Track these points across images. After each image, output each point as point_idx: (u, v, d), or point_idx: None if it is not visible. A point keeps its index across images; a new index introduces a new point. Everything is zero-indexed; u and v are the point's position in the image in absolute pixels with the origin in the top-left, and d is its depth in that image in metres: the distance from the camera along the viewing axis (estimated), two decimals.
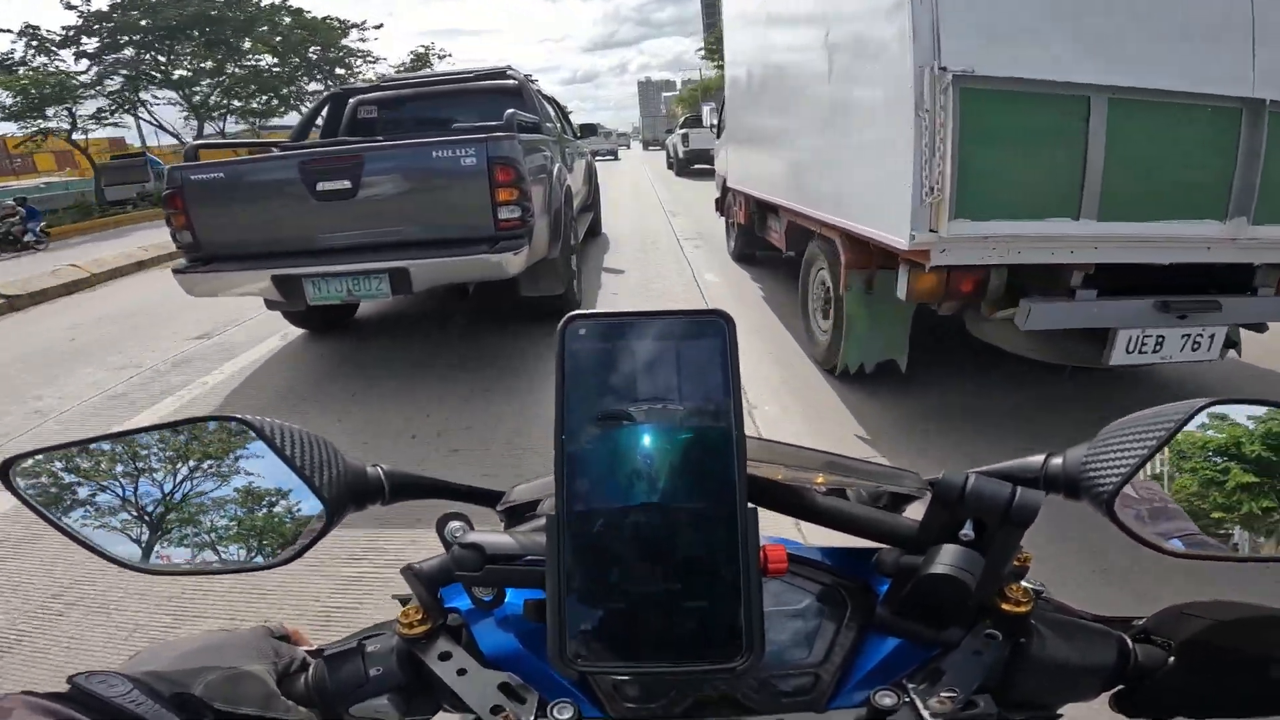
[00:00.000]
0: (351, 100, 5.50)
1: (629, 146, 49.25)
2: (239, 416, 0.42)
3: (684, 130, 19.96)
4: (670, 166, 22.08)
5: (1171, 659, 0.43)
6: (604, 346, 0.36)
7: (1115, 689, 0.44)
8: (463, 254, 3.61)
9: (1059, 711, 0.44)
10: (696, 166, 18.23)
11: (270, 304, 4.40)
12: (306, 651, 0.46)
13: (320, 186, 3.59)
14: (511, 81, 5.43)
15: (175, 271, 3.80)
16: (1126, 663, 0.43)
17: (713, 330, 0.36)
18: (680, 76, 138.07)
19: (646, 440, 0.35)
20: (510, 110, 3.97)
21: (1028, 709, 0.43)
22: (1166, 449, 0.39)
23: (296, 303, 3.85)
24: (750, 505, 0.35)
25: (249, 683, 0.40)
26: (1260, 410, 0.42)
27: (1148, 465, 0.39)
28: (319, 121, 5.50)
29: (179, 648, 0.42)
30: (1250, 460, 0.41)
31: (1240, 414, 0.42)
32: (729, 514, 0.34)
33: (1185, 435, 0.40)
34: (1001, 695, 0.41)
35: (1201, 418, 0.40)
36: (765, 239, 5.49)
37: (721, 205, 7.20)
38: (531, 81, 5.91)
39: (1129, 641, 0.44)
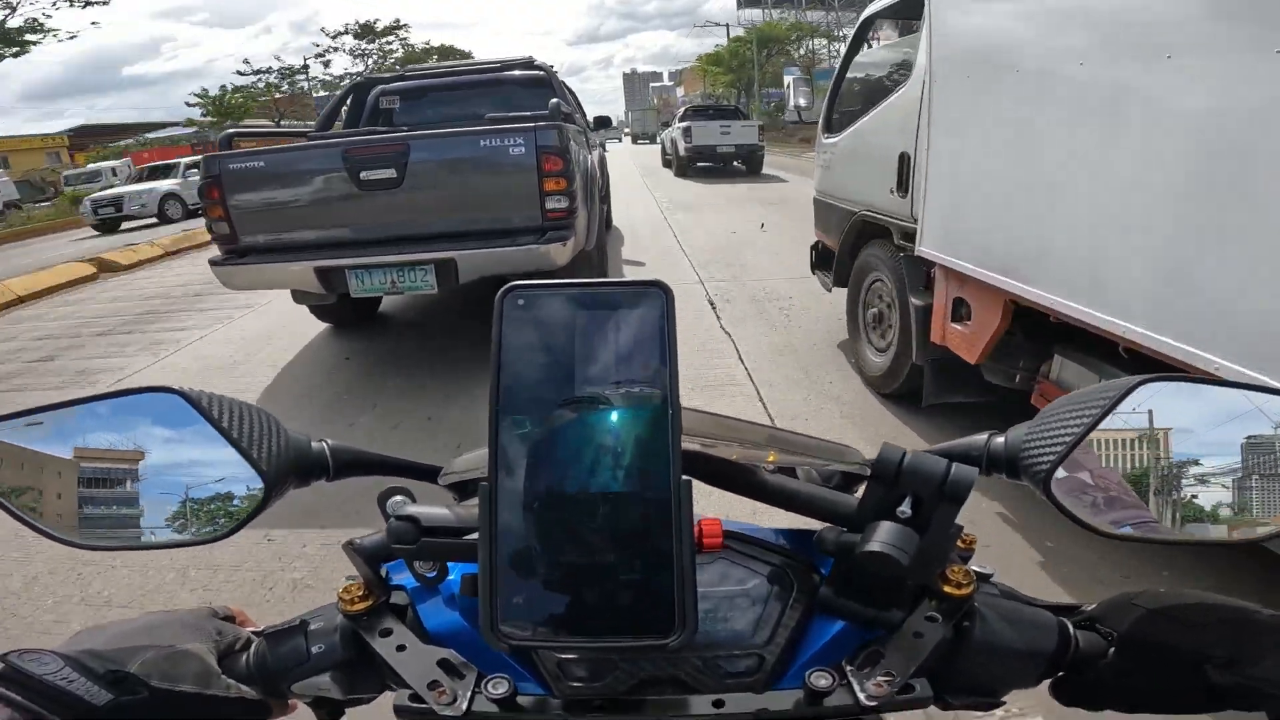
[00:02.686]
0: (374, 91, 5.40)
1: (619, 140, 47.46)
2: (172, 387, 0.41)
3: (685, 123, 16.35)
4: (667, 165, 18.96)
5: (1112, 649, 0.42)
6: (542, 316, 0.36)
7: (1056, 676, 0.44)
8: (510, 245, 3.55)
9: (1002, 699, 0.43)
10: (701, 165, 16.02)
11: (298, 297, 4.30)
12: (251, 631, 0.46)
13: (364, 175, 3.51)
14: (538, 72, 5.36)
15: (212, 264, 3.70)
16: (1067, 650, 0.43)
17: (652, 300, 0.35)
18: (667, 69, 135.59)
19: (583, 412, 0.34)
20: (555, 100, 3.91)
21: (969, 694, 0.42)
22: (1105, 427, 0.39)
23: (337, 294, 3.77)
24: (685, 478, 0.34)
25: (188, 661, 0.40)
26: (1195, 387, 0.42)
27: (1088, 443, 0.39)
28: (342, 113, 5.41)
29: (117, 628, 0.42)
30: (1184, 438, 0.41)
31: (1176, 391, 0.41)
32: (664, 487, 0.34)
33: (1123, 413, 0.40)
34: (942, 679, 0.41)
35: (1138, 395, 0.40)
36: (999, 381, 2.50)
37: (830, 265, 3.90)
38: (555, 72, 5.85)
39: (1070, 628, 0.44)
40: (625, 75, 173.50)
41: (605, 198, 7.64)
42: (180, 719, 0.39)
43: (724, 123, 16.10)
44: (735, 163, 16.27)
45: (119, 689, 0.37)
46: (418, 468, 0.52)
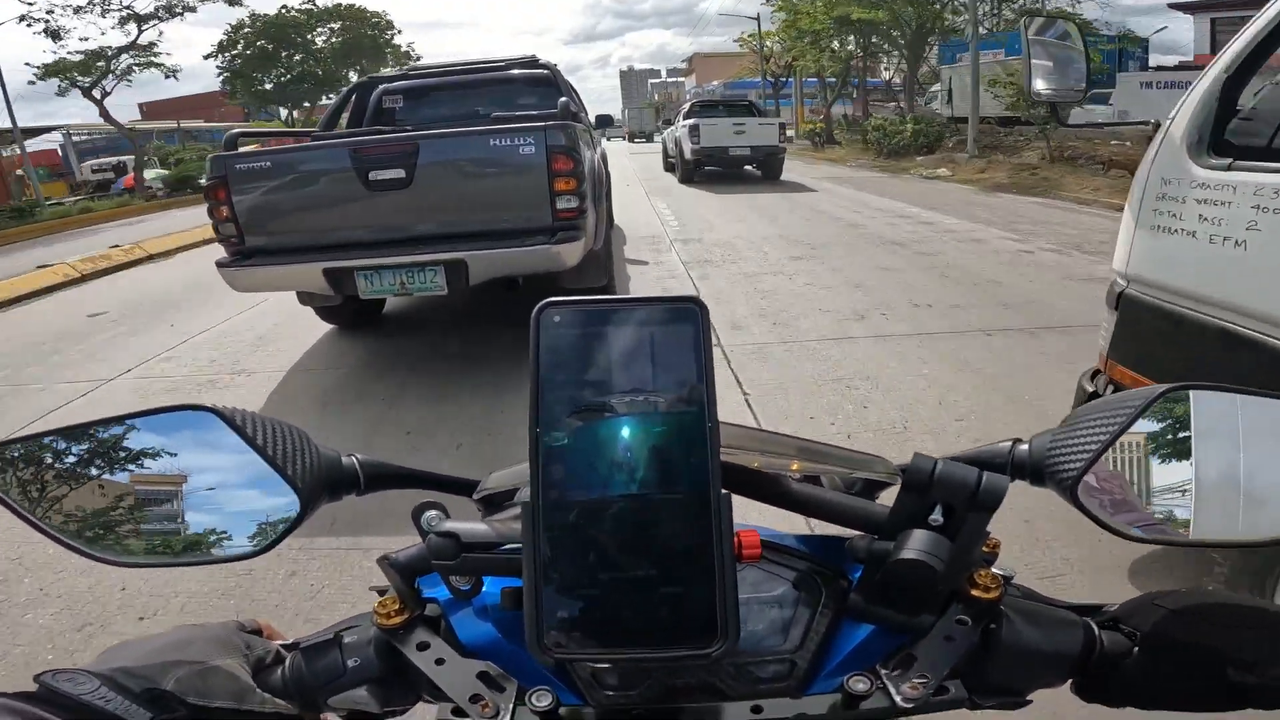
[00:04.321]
0: (377, 90, 5.36)
1: (610, 139, 46.55)
2: (206, 406, 0.41)
3: (691, 121, 13.68)
4: (670, 169, 16.34)
5: (1136, 649, 0.43)
6: (578, 333, 0.36)
7: (1080, 675, 0.45)
8: (521, 245, 3.53)
9: (1028, 697, 0.44)
10: (710, 169, 13.99)
11: (303, 298, 4.27)
12: (281, 645, 0.46)
13: (373, 176, 3.47)
14: (542, 71, 5.33)
15: (219, 265, 3.66)
16: (1092, 650, 0.43)
17: (686, 317, 0.36)
18: (665, 66, 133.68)
19: (621, 427, 0.35)
20: (563, 99, 3.88)
21: (997, 694, 0.43)
22: (1132, 434, 0.40)
23: (345, 296, 3.73)
24: (724, 491, 0.35)
25: (222, 677, 0.39)
26: (1221, 395, 0.42)
27: (1112, 451, 0.40)
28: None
29: (147, 644, 0.41)
30: (1212, 444, 0.42)
31: (1201, 400, 0.42)
32: (703, 500, 0.34)
33: (1149, 421, 0.41)
34: (972, 680, 0.41)
35: (1164, 403, 0.41)
36: None
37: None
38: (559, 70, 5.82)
39: (1095, 628, 0.44)
40: (622, 73, 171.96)
41: (607, 195, 7.62)
42: None
43: (737, 120, 13.53)
44: (749, 167, 14.18)
45: (156, 707, 0.37)
46: (449, 481, 0.52)
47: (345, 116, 5.34)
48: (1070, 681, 0.44)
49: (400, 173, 3.47)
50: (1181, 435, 0.42)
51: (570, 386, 0.35)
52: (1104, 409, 0.41)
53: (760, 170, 14.09)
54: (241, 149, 3.87)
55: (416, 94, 5.43)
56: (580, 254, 3.69)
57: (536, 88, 5.29)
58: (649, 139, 45.99)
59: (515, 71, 5.39)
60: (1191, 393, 0.42)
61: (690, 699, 0.41)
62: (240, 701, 0.39)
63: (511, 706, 0.39)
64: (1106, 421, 0.40)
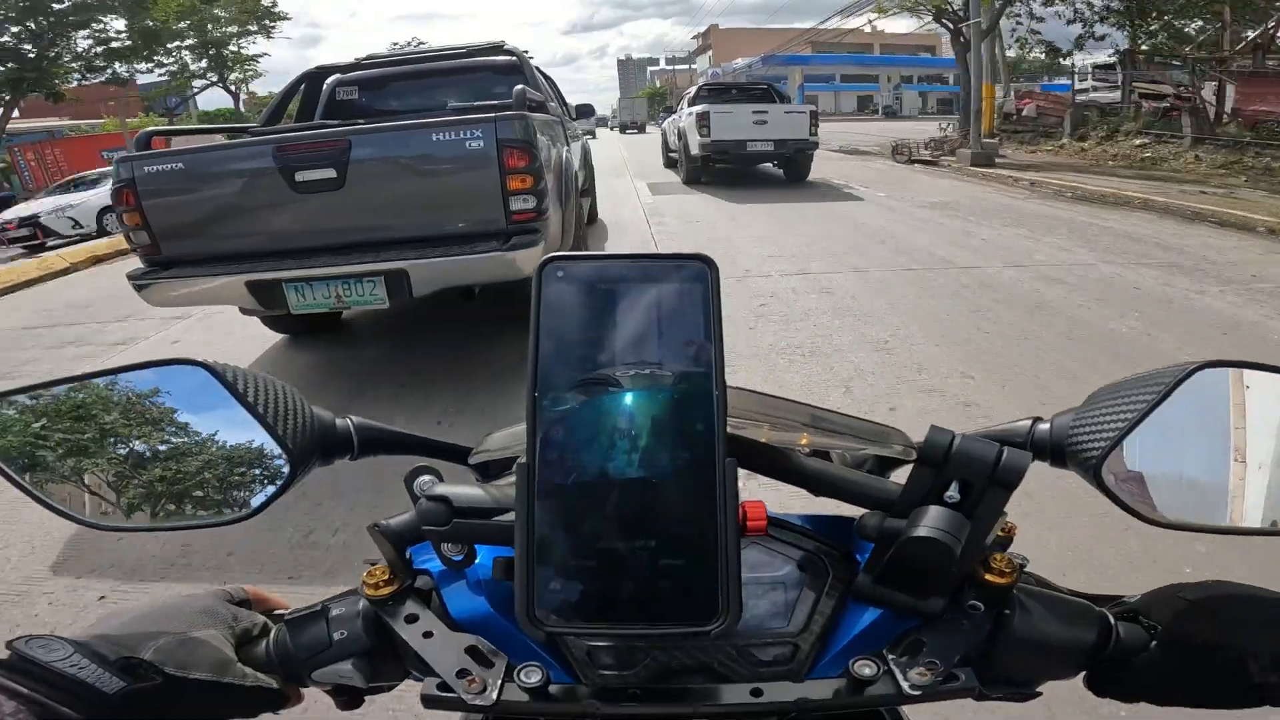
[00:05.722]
0: (329, 80, 4.92)
1: (594, 135, 42.55)
2: (199, 360, 0.40)
3: (700, 108, 10.56)
4: (672, 165, 13.30)
5: (1154, 643, 0.41)
6: (582, 290, 0.34)
7: (1094, 667, 0.42)
8: (471, 252, 3.11)
9: (1038, 689, 0.42)
10: (721, 167, 11.27)
11: (245, 309, 3.87)
12: (270, 615, 0.45)
13: (300, 176, 3.06)
14: (509, 58, 4.90)
15: (131, 279, 3.25)
16: (1108, 641, 0.41)
17: (696, 276, 0.34)
18: (664, 55, 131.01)
19: (625, 389, 0.33)
20: (520, 86, 3.46)
21: (1007, 685, 0.41)
22: (1160, 414, 0.38)
23: (277, 311, 3.34)
24: (729, 458, 0.33)
25: (203, 648, 0.38)
26: (1256, 374, 0.40)
27: (1140, 431, 0.38)
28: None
29: (129, 613, 0.40)
30: (1243, 426, 0.39)
31: (1235, 378, 0.40)
32: (708, 468, 0.33)
33: (1178, 399, 0.38)
34: (981, 669, 0.39)
35: (1195, 381, 0.38)
36: None
37: None
38: (528, 58, 5.38)
39: (1111, 619, 0.42)
40: (620, 61, 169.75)
41: (589, 190, 7.20)
42: (194, 707, 0.38)
43: (757, 108, 10.60)
44: (771, 164, 11.59)
45: (131, 676, 0.35)
46: (445, 447, 0.50)
47: (295, 110, 4.92)
48: (1083, 674, 0.42)
49: (330, 172, 3.06)
50: (1216, 416, 0.39)
51: (572, 345, 0.34)
52: (1131, 386, 0.39)
53: (783, 170, 11.51)
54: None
55: (374, 85, 5.00)
56: (539, 260, 3.27)
57: (504, 76, 4.87)
58: (640, 129, 44.85)
59: (480, 59, 4.95)
60: (1228, 371, 0.40)
61: (688, 681, 0.39)
62: (220, 674, 0.38)
63: (500, 682, 0.37)
64: (1134, 399, 0.38)
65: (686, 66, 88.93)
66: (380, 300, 3.19)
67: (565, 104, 6.42)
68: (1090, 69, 22.12)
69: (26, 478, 0.39)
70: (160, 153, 3.19)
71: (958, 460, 0.39)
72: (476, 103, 4.07)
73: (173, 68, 25.13)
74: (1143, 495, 0.38)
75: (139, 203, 3.13)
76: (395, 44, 28.28)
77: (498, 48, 4.92)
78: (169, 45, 23.68)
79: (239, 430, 0.39)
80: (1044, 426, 0.42)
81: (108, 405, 0.40)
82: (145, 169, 3.10)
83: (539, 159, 3.18)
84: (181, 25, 23.49)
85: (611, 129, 52.12)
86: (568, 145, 4.71)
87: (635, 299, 0.34)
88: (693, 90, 13.32)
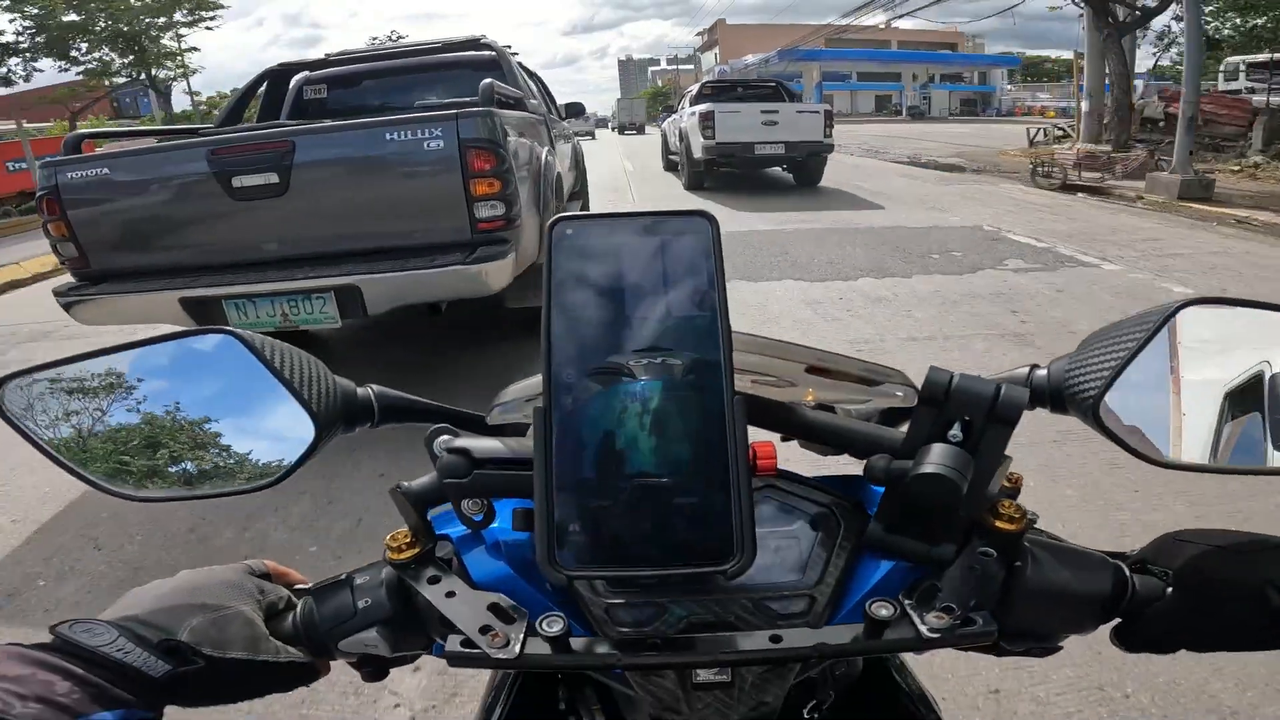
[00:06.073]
0: (296, 78, 4.61)
1: (593, 136, 37.48)
2: (228, 329, 0.40)
3: (703, 107, 9.62)
4: (673, 168, 12.52)
5: (1170, 589, 0.41)
6: (591, 245, 0.36)
7: (1114, 621, 0.42)
8: (431, 266, 2.79)
9: (1059, 644, 0.43)
10: (725, 170, 10.18)
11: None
12: (294, 589, 0.45)
13: (238, 182, 2.74)
14: (488, 53, 4.57)
15: (58, 295, 2.94)
16: (1124, 593, 0.41)
17: (698, 228, 0.36)
18: (665, 56, 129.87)
19: (635, 333, 0.35)
20: (487, 80, 3.13)
21: (1026, 639, 0.42)
22: (1151, 352, 0.38)
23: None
24: (737, 396, 0.34)
25: (236, 624, 0.39)
26: (1243, 311, 0.41)
27: (1134, 372, 0.38)
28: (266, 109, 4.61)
29: (158, 589, 0.40)
30: (1235, 363, 0.40)
31: (1222, 314, 0.40)
32: (718, 406, 0.34)
33: (1169, 337, 0.39)
34: (999, 620, 0.39)
35: (1184, 318, 0.39)
36: None
37: None
38: (512, 54, 5.05)
39: (1126, 570, 0.42)
40: (620, 62, 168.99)
41: (580, 192, 6.87)
42: (233, 685, 0.38)
43: (766, 107, 9.68)
44: (781, 168, 10.73)
45: (174, 659, 0.36)
46: (464, 415, 0.51)
47: (259, 111, 4.60)
48: (1111, 630, 0.43)
49: (272, 177, 2.73)
50: (1208, 354, 0.40)
51: (584, 297, 0.35)
52: (1122, 327, 0.40)
53: (794, 174, 10.56)
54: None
55: (345, 82, 4.68)
56: (510, 274, 2.95)
57: (484, 72, 4.54)
58: (639, 130, 44.22)
59: (458, 55, 4.63)
60: (1212, 307, 0.40)
61: (706, 633, 0.39)
62: (255, 651, 0.38)
63: (522, 636, 0.38)
64: (1123, 341, 0.39)
65: (691, 66, 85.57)
66: (332, 319, 2.87)
67: (552, 102, 6.09)
68: (1242, 66, 18.97)
69: (59, 449, 0.40)
70: (85, 157, 2.89)
71: (957, 398, 0.39)
72: (447, 100, 3.76)
73: (91, 65, 22.21)
74: (1142, 434, 0.39)
75: (63, 212, 2.82)
76: (374, 39, 26.14)
77: (475, 42, 4.60)
78: (71, 38, 20.91)
79: (266, 398, 0.40)
80: (1041, 373, 0.43)
81: (138, 376, 0.41)
82: (69, 175, 2.79)
83: (508, 160, 2.86)
84: (74, 18, 20.63)
85: (612, 129, 51.92)
86: (551, 146, 4.38)
87: (642, 253, 0.35)
88: (695, 88, 12.23)
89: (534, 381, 0.45)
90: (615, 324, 0.34)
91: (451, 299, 2.98)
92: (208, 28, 24.92)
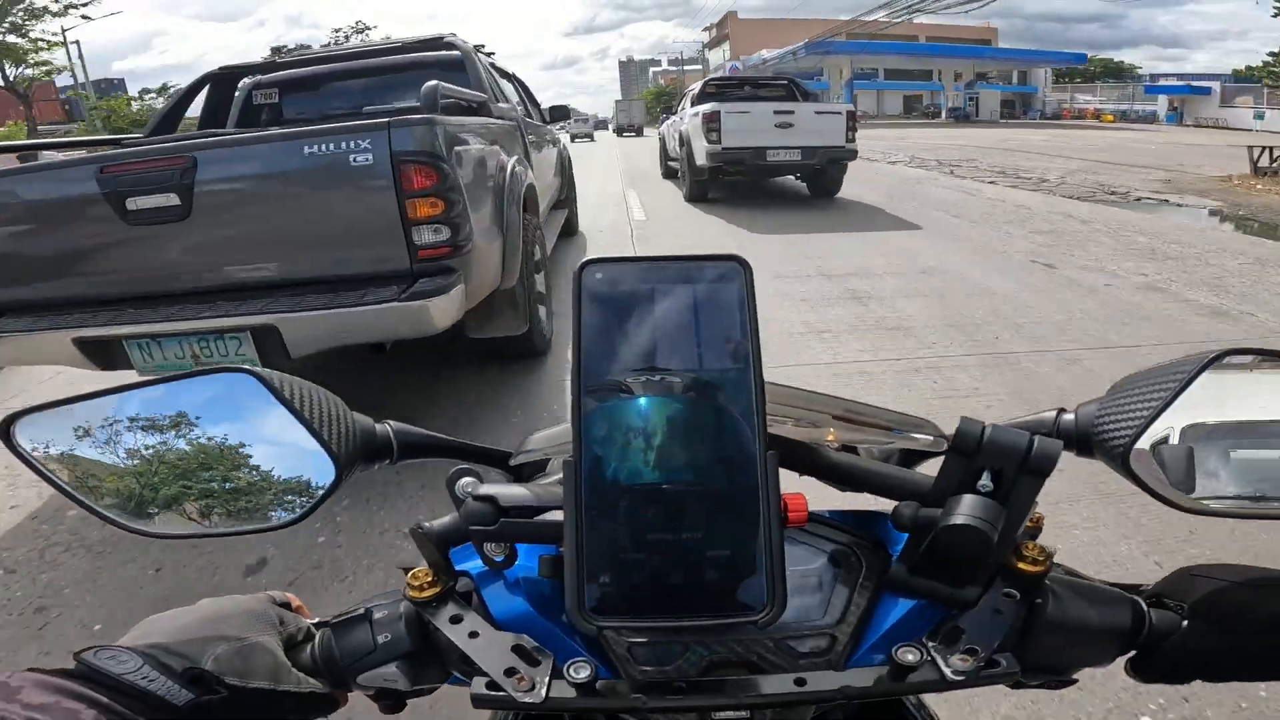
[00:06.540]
0: (243, 82, 4.21)
1: (592, 138, 36.85)
2: (247, 368, 0.40)
3: (706, 107, 8.31)
4: (672, 175, 11.27)
5: (1185, 622, 0.41)
6: (621, 290, 0.35)
7: (1130, 654, 0.42)
8: (362, 302, 2.38)
9: (1074, 676, 0.42)
10: (731, 179, 8.95)
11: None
12: (311, 621, 0.45)
13: (132, 204, 2.33)
14: (452, 52, 4.16)
15: None
16: (1141, 626, 0.41)
17: (731, 275, 0.35)
18: (666, 56, 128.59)
19: (666, 385, 0.34)
20: (431, 83, 2.73)
21: (1042, 673, 0.41)
22: (1186, 401, 0.38)
23: (122, 371, 2.61)
24: (771, 452, 0.34)
25: (258, 654, 0.39)
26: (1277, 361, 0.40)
27: (1164, 419, 0.38)
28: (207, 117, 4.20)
29: (181, 618, 0.40)
30: (1269, 411, 0.40)
31: (1257, 365, 0.40)
32: (749, 461, 0.34)
33: (1203, 387, 0.38)
34: (1019, 656, 0.39)
35: (1219, 368, 0.39)
36: None
37: None
38: (487, 54, 4.64)
39: (1143, 604, 0.42)
40: (621, 63, 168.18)
41: (566, 201, 6.45)
42: (255, 714, 0.38)
43: (781, 107, 8.37)
44: (794, 177, 9.33)
45: (197, 688, 0.36)
46: (485, 452, 0.51)
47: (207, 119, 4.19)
48: (1126, 662, 0.43)
49: (171, 199, 2.33)
50: (1244, 402, 0.40)
51: (614, 344, 0.35)
52: (1157, 374, 0.40)
53: (807, 184, 9.28)
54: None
55: (298, 87, 4.28)
56: (458, 308, 2.54)
57: (452, 74, 4.14)
58: (637, 132, 43.56)
59: (421, 55, 4.22)
60: (1248, 357, 0.40)
61: (729, 674, 0.39)
62: (277, 681, 0.38)
63: (548, 680, 0.38)
64: (1159, 386, 0.39)
65: (698, 66, 79.87)
66: (251, 363, 2.46)
67: (532, 104, 5.68)
68: None
69: (78, 488, 0.40)
70: None
71: (990, 450, 0.39)
72: (403, 105, 3.36)
73: None
74: (1172, 482, 0.39)
75: None
76: (337, 30, 23.45)
77: (439, 41, 4.19)
78: None
79: (285, 437, 0.40)
80: (1069, 417, 0.42)
81: (153, 414, 0.41)
82: None
83: (452, 176, 2.44)
84: None
85: (612, 131, 51.68)
86: (525, 154, 3.98)
87: (673, 299, 0.35)
88: (696, 86, 10.50)
89: (557, 431, 0.49)
90: (646, 375, 0.34)
91: (389, 339, 2.57)
92: (84, 16, 20.90)
